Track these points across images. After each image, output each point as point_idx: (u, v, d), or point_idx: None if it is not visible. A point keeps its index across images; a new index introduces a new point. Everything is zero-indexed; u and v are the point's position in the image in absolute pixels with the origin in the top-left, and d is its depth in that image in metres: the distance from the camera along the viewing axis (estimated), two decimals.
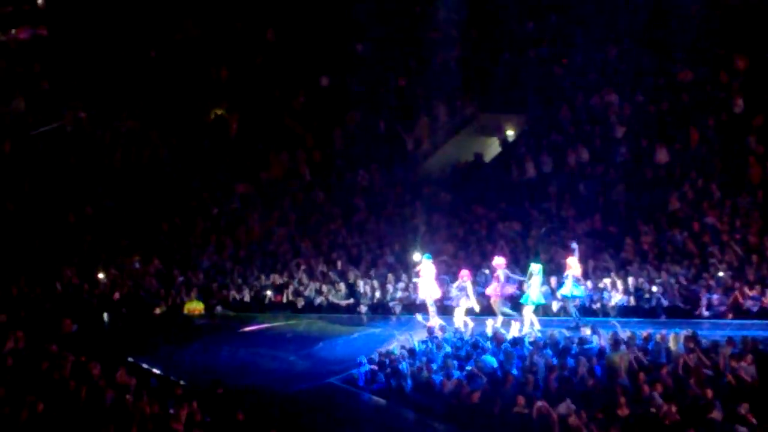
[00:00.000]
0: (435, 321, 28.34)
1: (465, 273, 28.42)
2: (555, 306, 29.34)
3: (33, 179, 40.90)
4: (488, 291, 28.54)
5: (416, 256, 30.36)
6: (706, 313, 28.65)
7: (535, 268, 27.66)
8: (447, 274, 29.70)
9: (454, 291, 28.52)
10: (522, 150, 39.44)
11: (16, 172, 41.05)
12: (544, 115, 40.14)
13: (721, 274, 29.72)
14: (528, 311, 27.56)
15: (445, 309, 29.21)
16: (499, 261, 28.59)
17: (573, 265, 28.04)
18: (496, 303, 28.32)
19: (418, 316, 29.40)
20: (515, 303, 28.58)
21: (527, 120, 40.91)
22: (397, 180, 39.79)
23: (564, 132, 38.95)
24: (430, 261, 28.92)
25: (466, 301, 28.17)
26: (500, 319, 28.03)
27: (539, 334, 26.51)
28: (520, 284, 28.65)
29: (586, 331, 25.66)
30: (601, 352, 23.91)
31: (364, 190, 39.73)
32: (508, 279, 28.40)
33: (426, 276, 28.75)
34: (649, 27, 39.09)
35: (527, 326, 27.32)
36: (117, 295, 34.82)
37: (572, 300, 28.17)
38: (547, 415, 20.45)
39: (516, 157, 39.21)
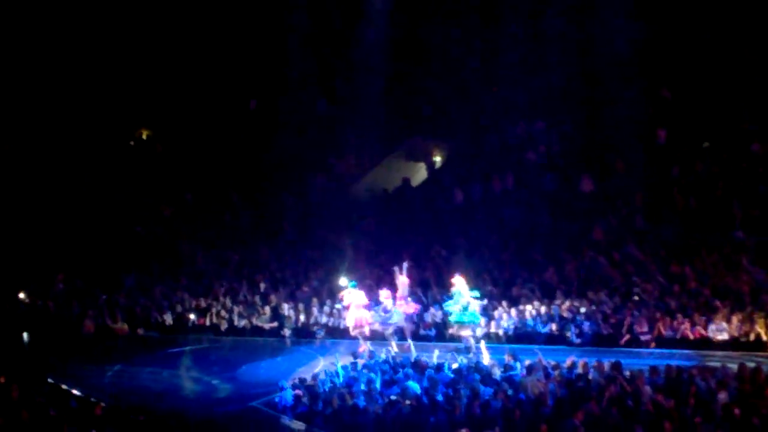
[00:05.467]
0: (363, 347, 28.25)
1: (385, 294, 28.40)
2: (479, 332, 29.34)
3: None
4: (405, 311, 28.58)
5: (342, 281, 30.19)
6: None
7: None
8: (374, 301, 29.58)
9: (379, 314, 28.48)
10: (449, 176, 39.57)
11: None
12: (472, 142, 40.30)
13: (636, 297, 30.04)
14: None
15: (374, 334, 29.13)
16: (403, 280, 28.56)
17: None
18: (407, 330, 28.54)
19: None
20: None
21: (455, 146, 41.04)
22: (323, 204, 39.74)
23: (490, 159, 39.12)
24: (356, 288, 28.79)
25: (391, 323, 28.25)
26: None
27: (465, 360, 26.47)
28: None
29: (509, 358, 25.66)
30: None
31: (290, 214, 39.61)
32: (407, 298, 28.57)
33: (352, 304, 28.62)
34: (576, 57, 39.29)
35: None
36: (39, 315, 34.40)
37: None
38: None
39: (443, 183, 39.33)
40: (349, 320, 28.80)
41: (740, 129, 35.58)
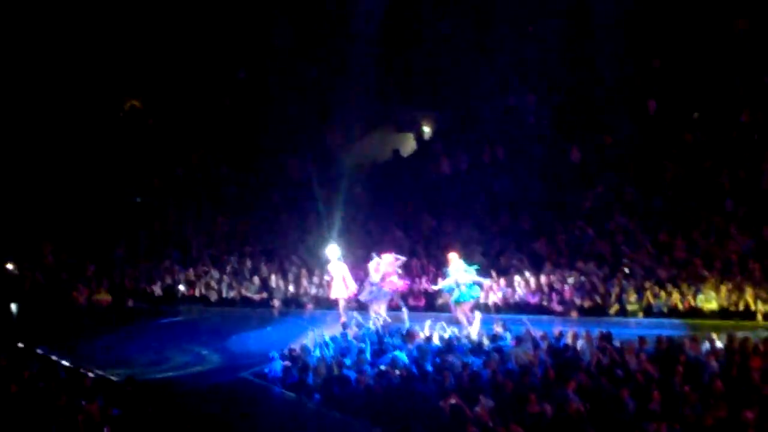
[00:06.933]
0: (347, 317, 28.21)
1: (373, 265, 28.32)
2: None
3: None
4: (387, 287, 28.42)
5: (331, 252, 30.08)
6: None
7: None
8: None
9: (367, 288, 28.43)
10: (438, 147, 39.58)
11: None
12: (461, 113, 40.28)
13: (626, 270, 30.05)
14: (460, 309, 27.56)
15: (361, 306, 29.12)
16: (388, 258, 28.45)
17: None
18: (396, 297, 28.44)
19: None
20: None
21: (443, 117, 41.01)
22: (313, 174, 39.71)
23: (480, 130, 39.09)
24: (340, 260, 28.70)
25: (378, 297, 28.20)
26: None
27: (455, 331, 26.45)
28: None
29: (499, 329, 25.68)
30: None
31: (279, 184, 39.59)
32: (396, 274, 28.40)
33: (337, 275, 28.56)
34: (567, 28, 39.22)
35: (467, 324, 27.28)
36: (27, 286, 34.36)
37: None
38: (460, 410, 20.41)
39: (432, 153, 39.33)
40: (334, 292, 28.78)
41: (730, 100, 35.53)
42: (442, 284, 27.96)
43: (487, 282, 28.63)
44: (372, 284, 28.20)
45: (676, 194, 33.18)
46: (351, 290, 28.58)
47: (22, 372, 23.93)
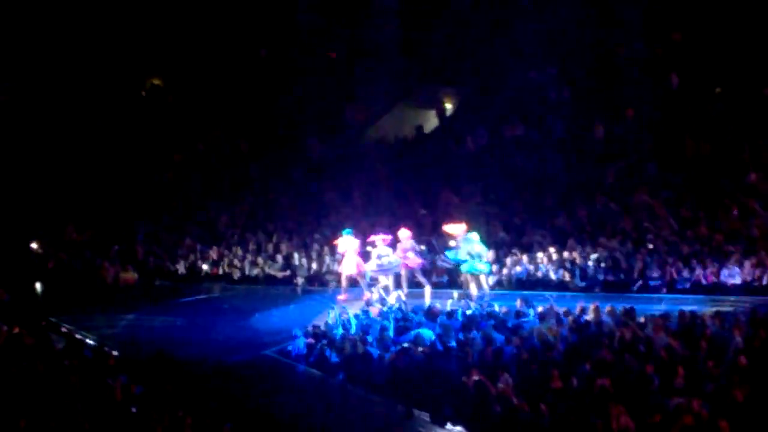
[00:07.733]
0: (344, 295, 28.36)
1: (380, 239, 28.43)
2: (490, 280, 29.29)
3: None
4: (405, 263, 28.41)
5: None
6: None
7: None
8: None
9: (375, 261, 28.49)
10: (460, 123, 39.49)
11: None
12: (483, 89, 40.16)
13: (650, 246, 29.96)
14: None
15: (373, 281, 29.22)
16: (404, 233, 28.48)
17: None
18: (417, 274, 28.43)
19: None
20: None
21: (465, 93, 40.91)
22: (335, 151, 39.69)
23: (501, 105, 39.00)
24: (351, 235, 28.73)
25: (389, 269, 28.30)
26: (428, 290, 28.30)
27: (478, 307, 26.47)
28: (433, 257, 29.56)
29: (521, 305, 25.67)
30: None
31: (302, 162, 39.57)
32: (413, 251, 28.40)
33: (347, 250, 28.58)
34: (587, 1, 39.05)
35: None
36: (51, 265, 34.45)
37: None
38: (485, 387, 20.41)
39: (454, 130, 39.25)
40: (345, 267, 28.82)
41: (753, 74, 35.34)
42: (452, 255, 28.03)
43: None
44: (379, 256, 28.26)
45: (699, 169, 33.05)
46: (360, 265, 28.62)
47: (47, 350, 24.06)
